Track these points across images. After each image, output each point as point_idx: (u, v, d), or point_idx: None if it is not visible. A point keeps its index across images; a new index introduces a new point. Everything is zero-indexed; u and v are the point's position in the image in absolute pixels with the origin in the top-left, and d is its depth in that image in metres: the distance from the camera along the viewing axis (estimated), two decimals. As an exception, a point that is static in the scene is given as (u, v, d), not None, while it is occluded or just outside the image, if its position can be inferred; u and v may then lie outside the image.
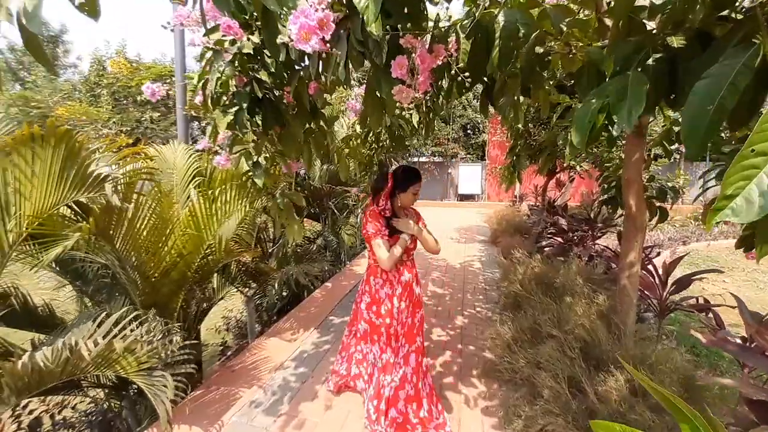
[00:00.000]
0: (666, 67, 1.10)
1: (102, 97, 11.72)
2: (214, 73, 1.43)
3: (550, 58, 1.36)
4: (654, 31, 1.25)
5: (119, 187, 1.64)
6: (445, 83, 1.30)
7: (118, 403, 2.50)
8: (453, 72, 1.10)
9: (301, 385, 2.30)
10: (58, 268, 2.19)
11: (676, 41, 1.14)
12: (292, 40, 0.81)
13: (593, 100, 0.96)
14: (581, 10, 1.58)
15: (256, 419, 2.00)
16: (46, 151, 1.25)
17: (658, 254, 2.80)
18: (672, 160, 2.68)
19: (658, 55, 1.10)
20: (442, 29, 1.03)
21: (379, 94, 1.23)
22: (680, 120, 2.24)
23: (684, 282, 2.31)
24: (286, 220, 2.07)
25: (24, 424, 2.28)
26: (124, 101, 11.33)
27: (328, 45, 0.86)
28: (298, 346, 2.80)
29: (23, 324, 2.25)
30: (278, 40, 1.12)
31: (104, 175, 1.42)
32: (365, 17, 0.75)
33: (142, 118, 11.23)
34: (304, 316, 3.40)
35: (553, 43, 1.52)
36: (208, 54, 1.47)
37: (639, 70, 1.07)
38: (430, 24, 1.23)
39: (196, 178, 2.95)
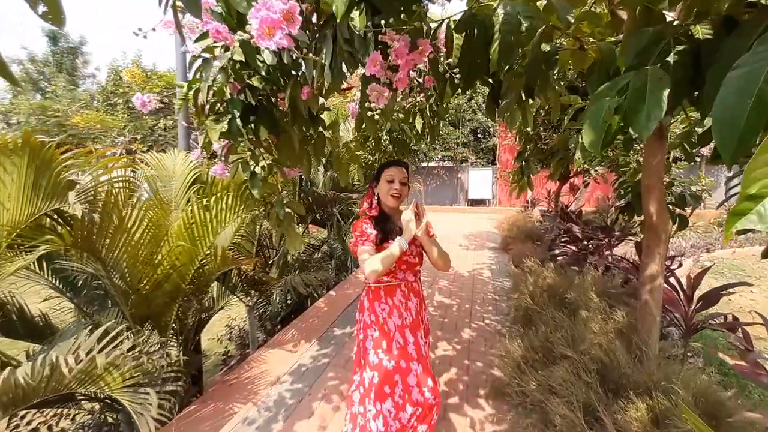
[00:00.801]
0: (689, 60, 0.96)
1: (118, 106, 12.03)
2: (205, 82, 1.36)
3: (557, 56, 1.24)
4: (675, 23, 1.12)
5: (96, 197, 1.58)
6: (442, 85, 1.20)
7: (115, 416, 2.44)
8: (441, 69, 0.99)
9: (297, 402, 2.19)
10: (51, 278, 2.15)
11: (701, 31, 1.01)
12: (252, 37, 0.72)
13: (606, 98, 0.84)
14: (593, 4, 1.46)
15: (249, 440, 1.90)
16: (22, 160, 1.20)
17: (680, 265, 2.59)
18: (692, 163, 2.49)
19: (679, 47, 0.96)
20: (430, 23, 0.92)
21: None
22: (707, 120, 2.07)
23: (712, 298, 2.11)
24: (285, 230, 1.99)
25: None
26: (138, 110, 11.59)
27: (300, 42, 0.76)
28: (297, 360, 2.69)
29: (20, 334, 2.21)
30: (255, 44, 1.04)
31: (71, 184, 1.36)
32: (334, 8, 0.65)
33: (156, 126, 11.46)
34: (306, 327, 3.30)
35: (562, 39, 1.40)
36: (197, 63, 1.41)
37: (657, 65, 0.95)
38: (433, 25, 1.13)
39: (196, 185, 2.91)
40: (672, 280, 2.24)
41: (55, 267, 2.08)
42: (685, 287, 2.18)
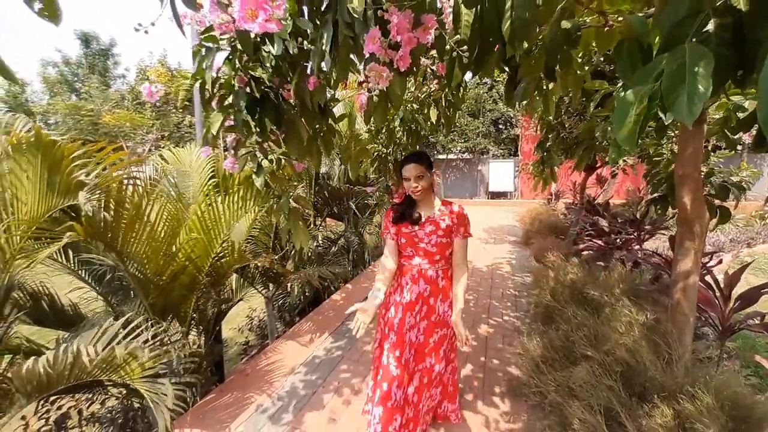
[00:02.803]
0: (730, 36, 0.85)
1: (146, 104, 12.50)
2: (209, 72, 1.35)
3: (580, 33, 1.13)
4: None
5: (111, 193, 1.62)
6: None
7: (141, 401, 2.55)
8: (448, 47, 0.92)
9: (310, 394, 2.21)
10: (79, 270, 2.25)
11: (741, 1, 0.89)
12: (234, 20, 0.68)
13: (639, 85, 0.75)
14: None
15: (263, 429, 1.93)
16: (36, 158, 1.24)
17: (720, 261, 2.40)
18: (733, 151, 2.29)
19: (720, 20, 0.85)
20: (436, -1, 0.85)
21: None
22: (748, 103, 1.88)
23: (751, 297, 1.94)
24: (292, 225, 1.98)
25: (51, 420, 2.37)
26: (165, 107, 12.01)
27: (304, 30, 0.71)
28: (312, 352, 2.72)
29: (51, 322, 2.34)
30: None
31: (82, 183, 1.39)
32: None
33: (181, 123, 11.83)
34: (322, 320, 3.33)
35: (585, 17, 1.29)
36: (201, 53, 1.39)
37: (695, 41, 0.84)
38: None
39: (215, 179, 2.96)
40: (708, 278, 2.08)
41: (82, 259, 2.17)
42: (722, 286, 2.01)
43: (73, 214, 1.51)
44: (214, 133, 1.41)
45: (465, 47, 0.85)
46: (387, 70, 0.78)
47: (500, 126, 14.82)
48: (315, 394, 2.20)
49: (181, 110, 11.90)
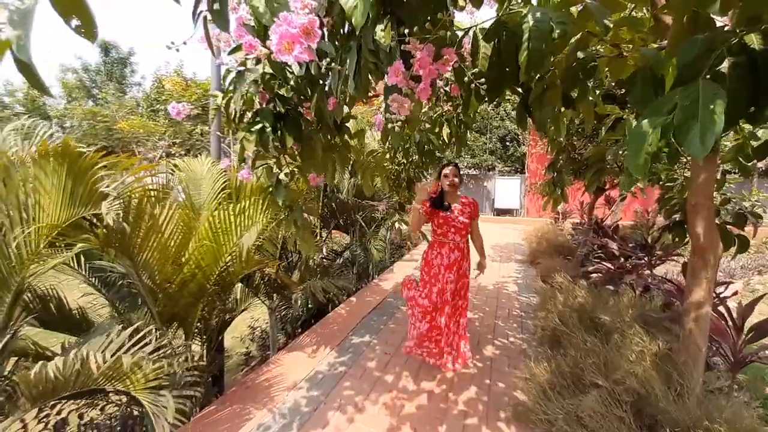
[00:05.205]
0: (746, 74, 0.86)
1: (160, 112, 12.81)
2: (238, 94, 1.40)
3: (595, 63, 1.16)
4: (726, 29, 1.01)
5: (131, 202, 1.66)
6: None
7: (140, 409, 2.53)
8: (466, 79, 0.94)
9: (312, 411, 2.17)
10: (88, 276, 2.27)
11: (755, 40, 0.90)
12: (272, 52, 0.71)
13: (653, 117, 0.76)
14: (633, 9, 1.36)
15: (263, 446, 1.90)
16: (62, 167, 1.28)
17: (736, 293, 2.36)
18: (745, 178, 2.28)
19: (734, 59, 0.86)
20: (456, 32, 0.88)
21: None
22: (762, 132, 1.88)
23: (764, 328, 1.89)
24: (300, 236, 2.00)
25: (50, 425, 2.35)
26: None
27: (316, 54, 0.74)
28: (314, 366, 2.68)
29: (58, 326, 2.35)
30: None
31: (105, 194, 1.42)
32: (353, 19, 0.63)
33: (193, 132, 12.08)
34: (325, 333, 3.30)
35: (599, 46, 1.32)
36: (231, 75, 1.44)
37: (709, 77, 0.85)
38: (459, 33, 1.09)
39: (226, 190, 3.00)
40: (721, 308, 2.03)
41: (93, 266, 2.19)
42: (735, 316, 1.96)
43: (90, 222, 1.55)
44: (251, 154, 1.44)
45: (482, 80, 0.87)
46: (408, 101, 0.80)
47: (507, 143, 14.90)
48: (317, 411, 2.17)
49: (193, 119, 12.17)
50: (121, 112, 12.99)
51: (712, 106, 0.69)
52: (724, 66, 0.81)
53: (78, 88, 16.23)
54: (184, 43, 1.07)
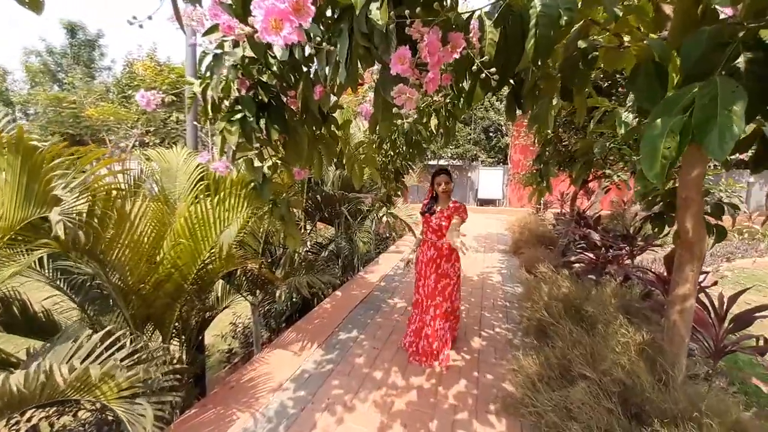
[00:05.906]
0: (763, 71, 0.82)
1: (132, 98, 12.11)
2: (216, 80, 1.27)
3: (596, 53, 1.11)
4: (729, 21, 0.98)
5: (96, 198, 1.51)
6: (467, 84, 1.08)
7: (114, 415, 2.40)
8: (475, 68, 0.87)
9: (299, 412, 2.11)
10: (53, 277, 2.10)
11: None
12: (256, 31, 0.61)
13: (667, 116, 0.71)
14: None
15: (248, 450, 1.83)
16: (17, 160, 1.13)
17: (716, 283, 2.43)
18: (724, 170, 2.34)
19: (751, 55, 0.82)
20: (462, 15, 0.80)
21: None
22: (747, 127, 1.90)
23: (745, 319, 1.96)
24: (286, 229, 1.90)
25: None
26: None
27: (305, 35, 0.65)
28: (300, 365, 2.62)
29: (22, 330, 2.18)
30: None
31: (57, 199, 1.27)
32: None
33: (168, 119, 11.51)
34: (310, 329, 3.23)
35: (598, 35, 1.27)
36: (208, 59, 1.31)
37: (724, 73, 0.81)
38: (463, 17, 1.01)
39: (203, 181, 2.84)
40: (703, 298, 2.09)
41: (58, 267, 2.03)
42: (717, 307, 2.02)
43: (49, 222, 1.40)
44: (233, 146, 1.32)
45: (493, 69, 0.80)
46: (416, 93, 0.72)
47: (490, 134, 14.99)
48: (304, 412, 2.11)
49: (167, 106, 11.58)
50: (90, 98, 12.19)
51: (731, 106, 0.65)
52: (740, 61, 0.76)
53: (42, 72, 15.08)
54: (149, 17, 0.95)
